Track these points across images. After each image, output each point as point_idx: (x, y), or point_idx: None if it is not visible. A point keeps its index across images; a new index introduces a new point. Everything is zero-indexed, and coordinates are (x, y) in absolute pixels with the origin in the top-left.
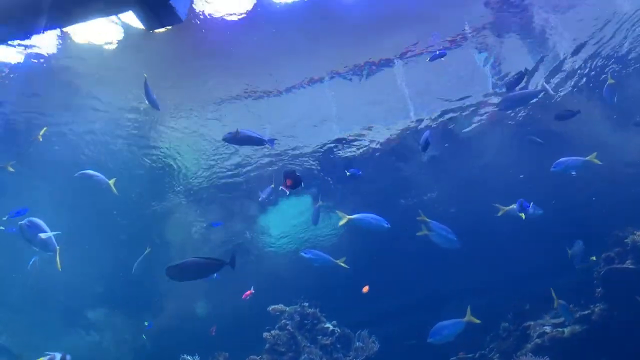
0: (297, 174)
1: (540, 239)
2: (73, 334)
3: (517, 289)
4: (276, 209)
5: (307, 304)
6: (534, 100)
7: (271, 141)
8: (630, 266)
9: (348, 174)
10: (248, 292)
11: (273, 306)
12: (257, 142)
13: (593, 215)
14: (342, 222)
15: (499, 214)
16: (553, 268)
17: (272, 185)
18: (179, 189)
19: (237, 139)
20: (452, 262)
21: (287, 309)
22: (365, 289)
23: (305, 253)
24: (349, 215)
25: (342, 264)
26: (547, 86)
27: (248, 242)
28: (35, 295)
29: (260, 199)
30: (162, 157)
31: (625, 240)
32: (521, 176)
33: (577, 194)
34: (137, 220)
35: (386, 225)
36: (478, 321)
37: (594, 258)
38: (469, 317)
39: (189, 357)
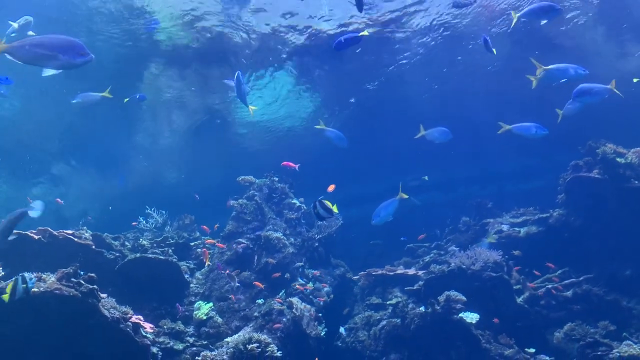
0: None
1: (520, 142)
2: (39, 185)
3: (486, 188)
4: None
5: (277, 179)
6: None
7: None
8: (596, 175)
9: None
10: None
11: (242, 177)
12: None
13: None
14: (538, 73)
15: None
16: (528, 171)
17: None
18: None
19: None
20: (429, 154)
21: (257, 181)
22: (331, 187)
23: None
24: None
25: (252, 110)
26: None
27: (224, 113)
28: None
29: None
30: None
31: (597, 151)
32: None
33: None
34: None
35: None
36: (406, 196)
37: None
38: (400, 195)
39: (154, 213)
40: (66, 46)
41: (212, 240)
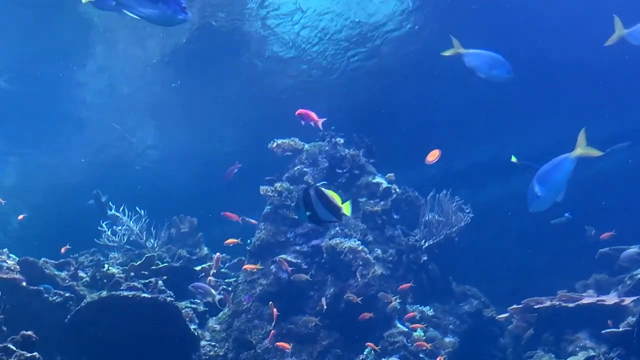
0: None
1: None
2: None
3: None
4: None
5: (342, 140)
6: None
7: None
8: None
9: None
10: None
11: (280, 140)
12: None
13: None
14: None
15: None
16: None
17: None
18: None
19: None
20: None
21: (306, 146)
22: (434, 155)
23: None
24: None
25: None
26: None
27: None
28: None
29: None
30: None
31: None
32: None
33: None
34: None
35: None
36: (599, 152)
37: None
38: (583, 148)
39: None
40: None
41: (254, 266)
